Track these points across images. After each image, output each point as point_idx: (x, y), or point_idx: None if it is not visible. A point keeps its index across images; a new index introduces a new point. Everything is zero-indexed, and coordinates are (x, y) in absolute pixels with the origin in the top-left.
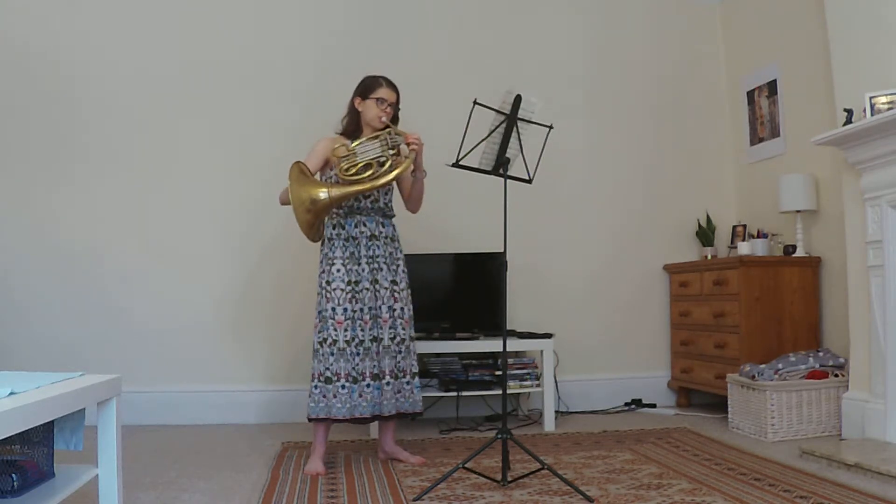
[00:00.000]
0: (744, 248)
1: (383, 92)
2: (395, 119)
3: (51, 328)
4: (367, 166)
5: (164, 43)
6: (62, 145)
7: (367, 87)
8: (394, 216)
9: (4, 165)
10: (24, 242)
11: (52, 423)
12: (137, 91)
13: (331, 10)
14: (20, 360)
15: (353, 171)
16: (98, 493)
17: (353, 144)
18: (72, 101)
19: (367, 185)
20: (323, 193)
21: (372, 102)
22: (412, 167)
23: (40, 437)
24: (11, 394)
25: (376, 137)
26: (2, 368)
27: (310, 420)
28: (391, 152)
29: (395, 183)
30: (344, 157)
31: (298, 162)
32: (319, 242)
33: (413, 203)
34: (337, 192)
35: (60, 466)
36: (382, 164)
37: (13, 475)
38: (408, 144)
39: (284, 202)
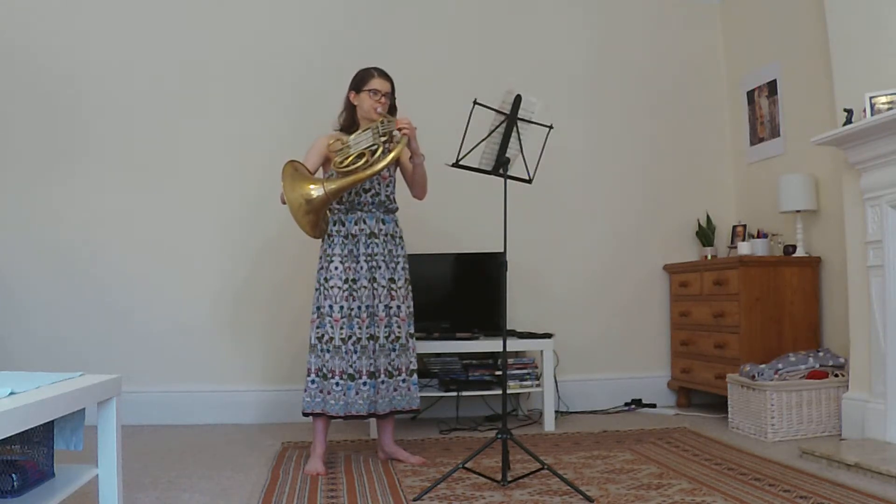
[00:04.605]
0: (744, 248)
1: (376, 83)
2: (392, 109)
3: (50, 328)
4: (360, 156)
5: (163, 43)
6: (62, 145)
7: (359, 80)
8: (396, 209)
9: (4, 165)
10: (23, 242)
11: (52, 423)
12: (137, 91)
13: (331, 10)
14: (20, 360)
15: (347, 162)
16: (98, 493)
17: (348, 138)
18: (71, 101)
19: (362, 175)
20: (317, 190)
21: (366, 95)
22: (409, 152)
23: (40, 437)
24: (11, 394)
25: (369, 128)
26: (2, 368)
27: (304, 414)
28: (382, 139)
29: (398, 175)
30: (338, 150)
31: (292, 161)
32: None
33: (417, 189)
34: (332, 185)
35: (60, 466)
36: (375, 152)
37: (13, 475)
38: (399, 129)
39: (285, 202)
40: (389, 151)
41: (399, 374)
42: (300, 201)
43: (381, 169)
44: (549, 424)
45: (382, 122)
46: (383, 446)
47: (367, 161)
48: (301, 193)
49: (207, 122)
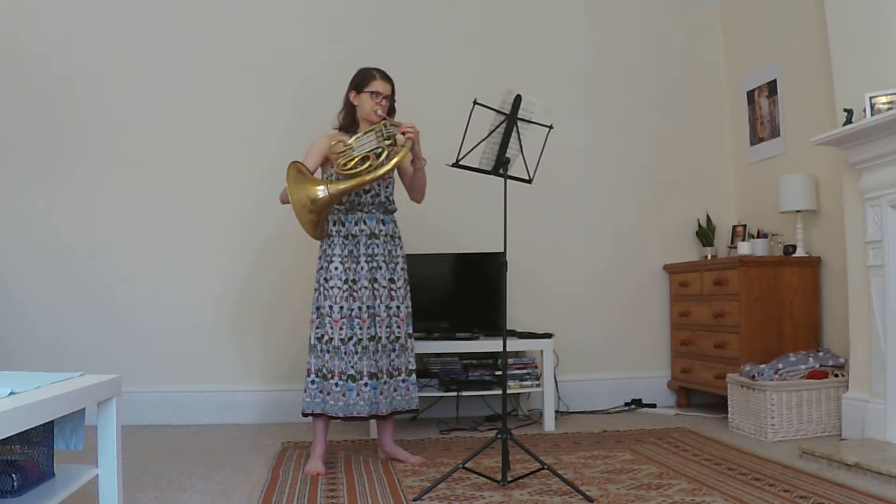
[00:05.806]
0: (744, 248)
1: (377, 85)
2: (391, 111)
3: (51, 328)
4: (364, 159)
5: (162, 43)
6: (61, 145)
7: (360, 81)
8: (395, 210)
9: (4, 165)
10: (23, 242)
11: (52, 423)
12: (136, 91)
13: (330, 9)
14: (20, 361)
15: (351, 164)
16: (98, 493)
17: (350, 140)
18: (71, 101)
19: (366, 178)
20: (321, 191)
21: (366, 96)
22: (410, 156)
23: (40, 437)
24: (11, 394)
25: (372, 130)
26: (2, 368)
27: (304, 415)
28: (387, 143)
29: (396, 175)
30: (341, 152)
31: (295, 162)
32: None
33: (416, 193)
34: (336, 187)
35: (60, 466)
36: (379, 156)
37: (13, 475)
38: (403, 133)
39: (284, 201)
40: (393, 155)
41: (399, 375)
42: (304, 201)
43: (385, 173)
44: (549, 424)
45: (386, 125)
46: (383, 446)
47: (370, 165)
48: (307, 194)
49: (207, 122)
